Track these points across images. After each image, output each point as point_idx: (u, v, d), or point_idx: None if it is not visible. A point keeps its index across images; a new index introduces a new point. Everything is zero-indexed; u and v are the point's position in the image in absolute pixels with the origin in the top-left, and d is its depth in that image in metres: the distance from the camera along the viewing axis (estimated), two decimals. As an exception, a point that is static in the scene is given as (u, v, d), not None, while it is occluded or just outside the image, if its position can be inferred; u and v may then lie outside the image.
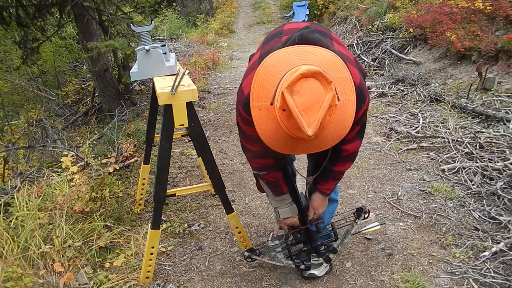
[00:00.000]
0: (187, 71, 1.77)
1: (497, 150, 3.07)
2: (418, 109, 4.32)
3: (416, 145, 3.52)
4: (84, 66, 7.52)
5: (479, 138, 3.29)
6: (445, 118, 3.90)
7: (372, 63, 6.45)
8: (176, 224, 2.53)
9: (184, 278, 2.08)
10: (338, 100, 1.14)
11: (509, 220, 2.30)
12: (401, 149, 3.50)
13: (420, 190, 2.80)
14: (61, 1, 4.38)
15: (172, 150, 2.14)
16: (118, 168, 3.21)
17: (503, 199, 2.51)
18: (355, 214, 1.84)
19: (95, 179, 2.75)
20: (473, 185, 2.74)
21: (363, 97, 1.35)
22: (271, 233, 2.23)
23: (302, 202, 1.82)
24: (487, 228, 2.29)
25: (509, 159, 2.87)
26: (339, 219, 2.14)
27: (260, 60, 1.24)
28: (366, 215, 1.83)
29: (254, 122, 1.19)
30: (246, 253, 1.95)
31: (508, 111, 3.66)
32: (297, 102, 1.07)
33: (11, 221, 2.28)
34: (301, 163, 2.98)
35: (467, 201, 2.58)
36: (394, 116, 4.30)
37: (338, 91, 1.14)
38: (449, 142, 3.36)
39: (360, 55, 6.82)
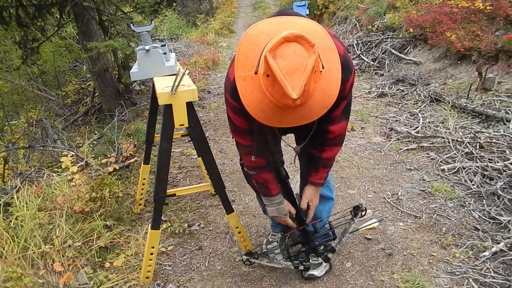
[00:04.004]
0: (187, 71, 1.77)
1: (497, 150, 3.07)
2: (418, 109, 4.32)
3: (416, 145, 3.52)
4: (84, 66, 7.52)
5: (479, 138, 3.29)
6: (445, 118, 3.90)
7: (372, 63, 6.45)
8: (176, 224, 2.53)
9: (184, 278, 2.08)
10: (323, 68, 1.14)
11: (509, 220, 2.29)
12: (401, 149, 3.50)
13: (420, 190, 2.80)
14: (61, 1, 4.38)
15: (172, 150, 2.14)
16: (118, 168, 3.21)
17: (503, 199, 2.51)
18: (352, 212, 1.84)
19: (95, 179, 2.75)
20: (473, 185, 2.73)
21: (348, 68, 1.35)
22: (265, 240, 2.24)
23: (298, 203, 1.82)
24: (487, 228, 2.29)
25: (509, 159, 2.87)
26: (337, 217, 2.14)
27: None
28: (364, 213, 1.83)
29: (240, 94, 1.19)
30: (245, 257, 1.94)
31: (508, 111, 3.66)
32: (280, 65, 1.07)
33: (11, 221, 2.28)
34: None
35: (467, 201, 2.58)
36: (394, 116, 4.30)
37: (322, 59, 1.15)
38: (449, 142, 3.36)
39: (360, 55, 6.83)
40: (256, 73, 1.15)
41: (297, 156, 1.76)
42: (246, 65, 1.18)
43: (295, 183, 2.62)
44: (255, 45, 1.18)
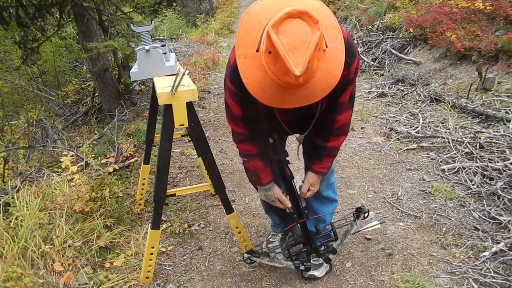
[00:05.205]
0: (187, 71, 1.77)
1: (497, 150, 3.07)
2: (418, 109, 4.32)
3: (416, 145, 3.52)
4: (84, 66, 7.51)
5: (479, 138, 3.29)
6: (445, 118, 3.90)
7: (372, 63, 6.45)
8: (176, 224, 2.53)
9: (184, 278, 2.08)
10: (326, 46, 1.12)
11: (509, 220, 2.29)
12: (401, 149, 3.50)
13: (420, 190, 2.80)
14: (61, 1, 4.38)
15: (172, 150, 2.14)
16: (118, 168, 3.21)
17: (503, 199, 2.51)
18: (354, 214, 1.84)
19: (95, 179, 2.74)
20: (473, 185, 2.73)
21: (352, 51, 1.33)
22: (265, 240, 2.24)
23: (300, 202, 1.82)
24: (487, 228, 2.29)
25: (509, 159, 2.87)
26: (339, 219, 2.14)
27: None
28: (366, 215, 1.83)
29: (240, 73, 1.15)
30: (246, 255, 1.95)
31: (508, 111, 3.66)
32: (283, 41, 1.04)
33: (11, 221, 2.28)
34: (301, 163, 2.97)
35: (467, 201, 2.58)
36: (394, 116, 4.30)
37: (325, 38, 1.12)
38: (449, 142, 3.36)
39: (360, 55, 6.82)
40: (257, 50, 1.11)
41: (300, 151, 1.73)
42: (248, 43, 1.14)
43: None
44: (257, 22, 1.14)
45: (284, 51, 1.03)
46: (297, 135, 1.72)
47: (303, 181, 1.78)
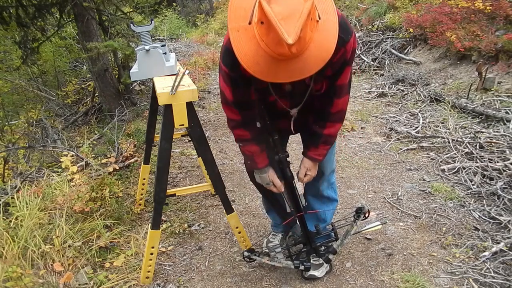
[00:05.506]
0: (187, 71, 1.77)
1: (497, 150, 3.07)
2: (418, 109, 4.33)
3: (416, 145, 3.52)
4: (84, 66, 7.52)
5: (479, 138, 3.29)
6: (445, 118, 3.90)
7: (372, 63, 6.46)
8: (176, 224, 2.53)
9: (184, 278, 2.08)
10: (319, 18, 1.11)
11: (509, 220, 2.29)
12: (401, 149, 3.50)
13: (420, 190, 2.80)
14: (61, 1, 4.38)
15: (172, 150, 2.14)
16: (118, 168, 3.21)
17: (503, 199, 2.51)
18: (355, 215, 1.84)
19: (95, 179, 2.75)
20: (473, 185, 2.73)
21: (347, 29, 1.32)
22: (265, 240, 2.24)
23: (301, 202, 1.82)
24: (487, 228, 2.29)
25: (509, 159, 2.87)
26: (339, 219, 2.14)
27: None
28: (366, 215, 1.83)
29: (233, 47, 1.15)
30: (246, 253, 1.95)
31: (508, 111, 3.67)
32: (275, 10, 1.03)
33: (11, 221, 2.28)
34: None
35: (467, 201, 2.58)
36: (394, 116, 4.30)
37: (318, 9, 1.12)
38: (449, 142, 3.36)
39: (360, 55, 6.82)
40: (250, 23, 1.11)
41: (292, 117, 1.65)
42: (240, 16, 1.14)
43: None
44: None
45: (276, 20, 1.03)
46: (294, 110, 1.65)
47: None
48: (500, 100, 3.97)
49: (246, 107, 1.54)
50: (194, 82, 2.04)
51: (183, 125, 1.75)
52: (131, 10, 6.05)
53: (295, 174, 1.77)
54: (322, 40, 1.13)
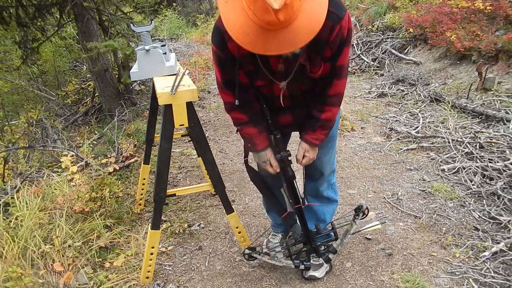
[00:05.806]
0: (187, 71, 1.77)
1: (497, 150, 3.07)
2: (418, 109, 4.33)
3: (416, 145, 3.52)
4: (84, 66, 7.52)
5: (479, 138, 3.29)
6: (445, 118, 3.90)
7: (372, 63, 6.46)
8: (176, 224, 2.53)
9: (184, 278, 2.08)
10: None
11: (509, 220, 2.29)
12: (401, 149, 3.50)
13: (420, 190, 2.80)
14: (61, 1, 4.38)
15: (172, 150, 2.14)
16: (118, 168, 3.21)
17: (503, 199, 2.51)
18: (354, 214, 1.84)
19: (95, 179, 2.75)
20: (473, 185, 2.73)
21: (340, 5, 1.32)
22: (266, 240, 2.24)
23: (301, 202, 1.82)
24: (487, 228, 2.29)
25: (509, 159, 2.87)
26: (338, 218, 2.14)
27: None
28: (365, 212, 1.83)
29: (222, 20, 1.16)
30: (247, 251, 1.95)
31: (508, 111, 3.67)
32: None
33: (11, 221, 2.28)
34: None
35: (467, 201, 2.58)
36: (394, 116, 4.30)
37: None
38: (449, 142, 3.36)
39: (360, 55, 6.82)
40: None
41: (282, 90, 1.60)
42: None
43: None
44: None
45: None
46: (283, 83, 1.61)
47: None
48: (500, 100, 3.98)
49: (240, 88, 1.51)
50: (194, 82, 2.04)
51: (183, 125, 1.75)
52: (131, 10, 6.05)
53: (296, 175, 1.77)
54: (311, 10, 1.12)
